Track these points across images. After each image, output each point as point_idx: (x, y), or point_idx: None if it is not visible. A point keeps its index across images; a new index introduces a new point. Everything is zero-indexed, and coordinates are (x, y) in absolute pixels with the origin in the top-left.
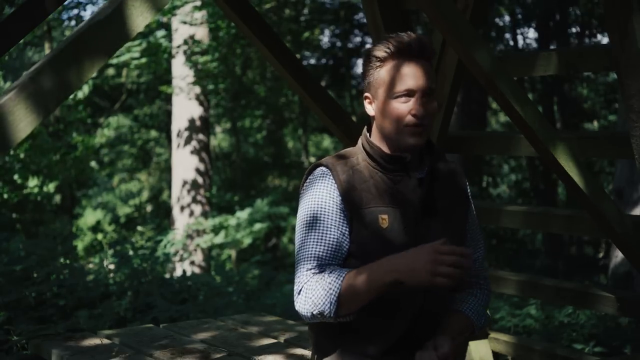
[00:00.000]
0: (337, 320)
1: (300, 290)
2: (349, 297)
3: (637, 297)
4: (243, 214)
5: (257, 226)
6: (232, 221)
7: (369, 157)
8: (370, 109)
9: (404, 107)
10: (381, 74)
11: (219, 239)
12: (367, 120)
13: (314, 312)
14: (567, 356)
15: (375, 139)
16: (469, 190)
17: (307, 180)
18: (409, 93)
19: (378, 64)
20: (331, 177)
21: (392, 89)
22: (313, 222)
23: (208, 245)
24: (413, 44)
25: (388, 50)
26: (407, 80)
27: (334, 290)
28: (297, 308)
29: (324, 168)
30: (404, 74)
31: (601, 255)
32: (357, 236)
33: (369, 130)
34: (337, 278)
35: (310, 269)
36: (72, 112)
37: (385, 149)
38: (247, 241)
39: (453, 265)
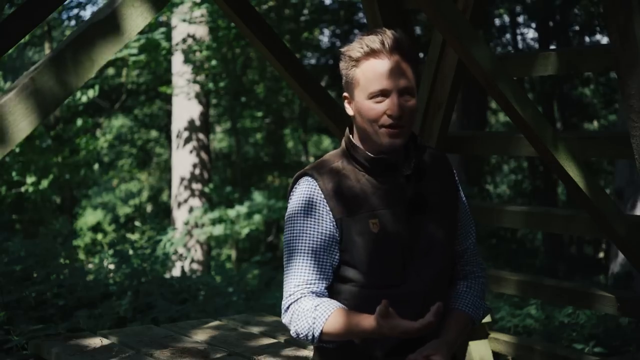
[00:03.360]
0: (320, 345)
1: (288, 308)
2: (331, 335)
3: (637, 297)
4: (242, 208)
5: (256, 217)
6: (231, 213)
7: (354, 160)
8: (350, 109)
9: (379, 107)
10: (356, 74)
11: (219, 230)
12: (349, 121)
13: (295, 337)
14: (567, 356)
15: (357, 139)
16: (457, 177)
17: (294, 190)
18: (384, 93)
19: (353, 63)
20: (317, 186)
21: (367, 89)
22: (304, 216)
23: (207, 235)
24: (385, 41)
25: (361, 50)
26: (381, 79)
27: (317, 326)
28: (283, 322)
29: (308, 177)
30: (378, 73)
31: (601, 255)
32: (350, 244)
33: (351, 132)
34: (323, 313)
35: (300, 284)
36: (74, 126)
37: (368, 149)
38: (244, 231)
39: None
